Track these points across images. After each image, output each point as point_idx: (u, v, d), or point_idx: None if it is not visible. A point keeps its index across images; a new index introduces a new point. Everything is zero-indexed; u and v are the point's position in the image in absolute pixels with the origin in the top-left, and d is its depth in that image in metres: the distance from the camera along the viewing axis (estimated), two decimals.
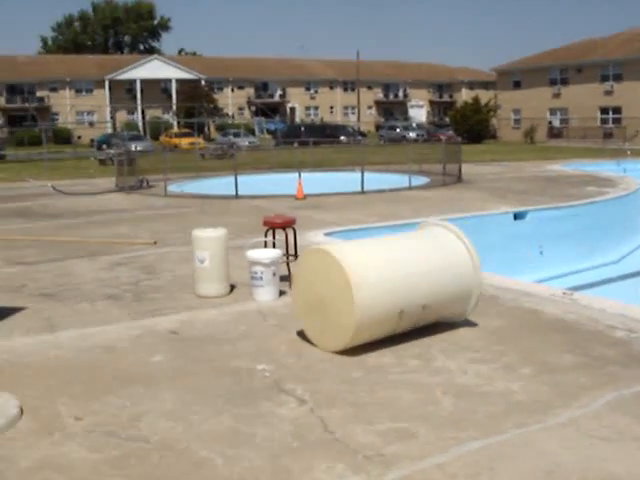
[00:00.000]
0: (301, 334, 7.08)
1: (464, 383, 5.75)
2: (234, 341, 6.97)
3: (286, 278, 9.11)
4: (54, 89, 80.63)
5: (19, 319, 7.97)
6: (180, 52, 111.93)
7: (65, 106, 79.71)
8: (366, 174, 21.57)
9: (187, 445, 4.73)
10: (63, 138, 68.64)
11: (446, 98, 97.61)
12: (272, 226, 9.74)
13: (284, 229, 9.81)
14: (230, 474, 4.35)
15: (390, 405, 5.33)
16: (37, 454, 4.68)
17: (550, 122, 67.12)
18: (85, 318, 7.96)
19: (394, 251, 7.06)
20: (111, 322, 7.75)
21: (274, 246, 9.52)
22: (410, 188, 21.97)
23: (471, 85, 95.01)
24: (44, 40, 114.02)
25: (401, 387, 5.68)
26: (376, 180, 22.50)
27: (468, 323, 7.37)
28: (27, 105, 77.88)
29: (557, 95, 66.19)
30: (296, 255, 9.50)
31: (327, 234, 12.94)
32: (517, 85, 70.29)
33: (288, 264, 9.52)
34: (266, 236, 9.66)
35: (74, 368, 6.33)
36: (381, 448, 4.63)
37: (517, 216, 16.46)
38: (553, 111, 67.04)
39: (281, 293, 8.67)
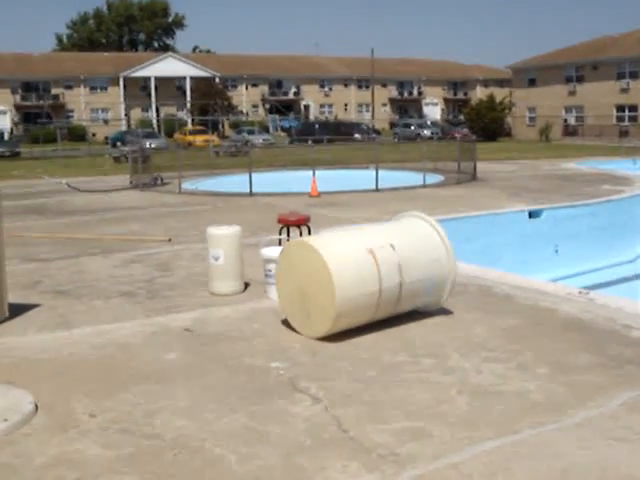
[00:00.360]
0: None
1: (479, 382, 5.72)
2: (248, 339, 6.96)
3: None
4: (69, 86, 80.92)
5: (34, 316, 8.00)
6: (194, 49, 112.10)
7: (80, 103, 80.00)
8: (380, 172, 21.53)
9: (201, 443, 4.73)
10: (78, 135, 68.82)
11: (461, 96, 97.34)
12: (286, 223, 9.77)
13: (299, 227, 9.81)
14: (244, 472, 4.34)
15: (404, 404, 5.31)
16: (52, 450, 4.69)
17: (565, 120, 66.85)
18: (99, 315, 7.98)
19: (371, 240, 7.28)
20: (125, 319, 7.76)
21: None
22: (424, 186, 21.92)
23: (486, 83, 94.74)
24: (59, 38, 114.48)
25: (416, 386, 5.65)
26: (390, 178, 22.46)
27: (479, 323, 7.34)
28: (42, 102, 78.25)
29: (572, 93, 65.90)
30: None
31: None
32: (532, 83, 70.01)
33: None
34: (280, 234, 9.66)
35: (88, 365, 6.35)
36: (395, 447, 4.61)
37: (532, 214, 16.39)
38: (568, 109, 66.76)
39: None
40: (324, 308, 6.77)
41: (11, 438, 4.88)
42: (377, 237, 7.45)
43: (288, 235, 9.68)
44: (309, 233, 9.72)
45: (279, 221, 9.84)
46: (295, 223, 9.86)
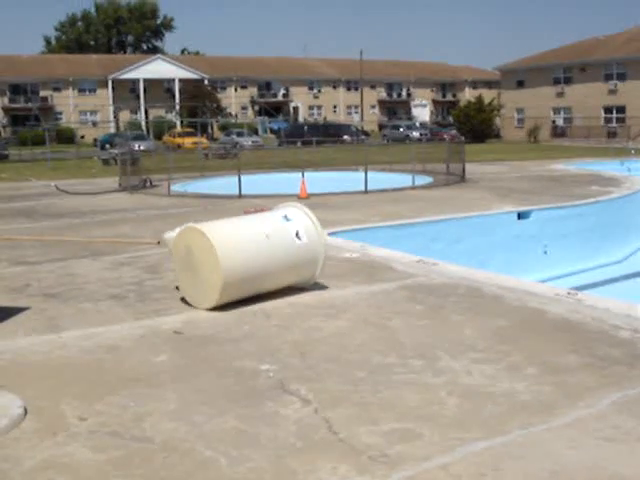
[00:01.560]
0: (305, 334, 7.10)
1: (468, 383, 5.73)
2: (238, 341, 6.96)
3: None
4: (57, 89, 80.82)
5: (23, 319, 7.97)
6: (183, 52, 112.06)
7: (68, 106, 79.87)
8: (369, 174, 21.55)
9: (191, 445, 4.72)
10: (66, 138, 68.66)
11: (449, 97, 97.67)
12: None
13: None
14: (235, 474, 4.34)
15: (394, 405, 5.31)
16: (41, 454, 4.67)
17: (554, 121, 67.14)
18: (89, 318, 7.95)
19: (252, 226, 8.66)
20: (115, 322, 7.74)
21: None
22: (413, 187, 21.97)
23: (474, 84, 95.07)
24: (47, 40, 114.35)
25: (405, 387, 5.66)
26: (379, 180, 22.51)
27: (468, 324, 7.36)
28: (30, 105, 78.03)
29: (561, 94, 66.18)
30: None
31: (330, 234, 12.90)
32: (520, 84, 70.29)
33: None
34: None
35: (78, 368, 6.33)
36: (385, 448, 4.62)
37: (521, 216, 16.45)
38: (557, 110, 67.07)
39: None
40: (213, 281, 7.90)
41: (0, 442, 4.86)
42: (255, 223, 8.89)
43: None
44: None
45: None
46: None
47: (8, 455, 4.67)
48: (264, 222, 8.82)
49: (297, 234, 8.62)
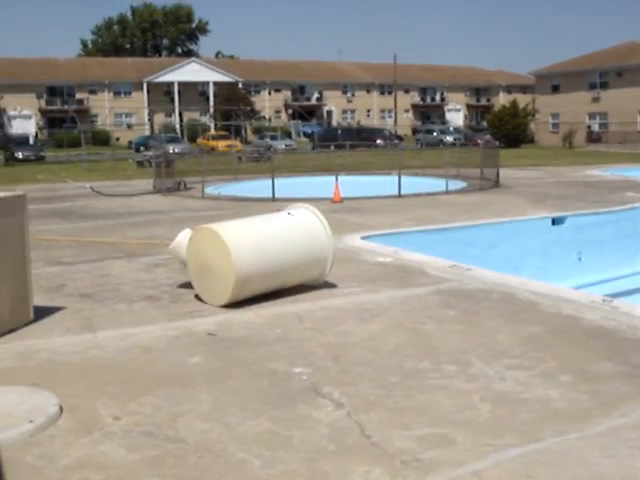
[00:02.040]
0: (339, 337, 7.11)
1: (502, 389, 5.70)
2: (271, 344, 6.98)
3: None
4: (93, 91, 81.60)
5: (59, 318, 8.06)
6: (217, 55, 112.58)
7: (104, 108, 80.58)
8: (403, 178, 21.51)
9: (224, 446, 4.75)
10: (102, 140, 69.37)
11: (484, 102, 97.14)
12: None
13: None
14: (267, 476, 4.36)
15: (427, 410, 5.30)
16: (76, 452, 4.72)
17: (589, 127, 66.51)
18: (123, 318, 8.04)
19: (264, 226, 8.92)
20: (149, 323, 7.81)
21: None
22: (447, 192, 21.89)
23: (509, 89, 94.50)
24: (84, 43, 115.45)
25: (439, 392, 5.65)
26: (413, 184, 22.45)
27: (502, 329, 7.32)
28: (67, 107, 78.86)
29: (596, 99, 65.58)
30: None
31: (364, 238, 12.94)
32: (556, 89, 69.75)
33: None
34: None
35: (113, 368, 6.39)
36: (418, 453, 4.61)
37: (555, 221, 16.31)
38: (592, 115, 66.44)
39: None
40: (226, 280, 8.20)
41: (36, 439, 4.93)
42: (266, 222, 9.09)
43: None
44: None
45: None
46: None
47: (44, 453, 4.73)
48: (275, 221, 9.15)
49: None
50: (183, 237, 9.34)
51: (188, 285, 9.39)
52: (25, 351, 6.90)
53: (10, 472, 4.48)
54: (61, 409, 5.38)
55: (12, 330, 7.48)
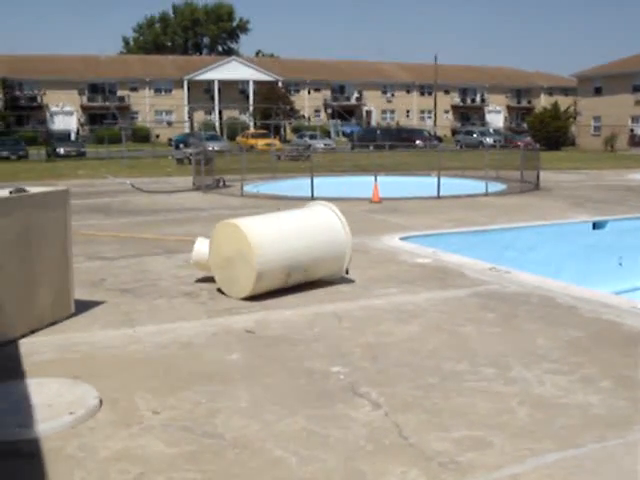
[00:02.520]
0: (377, 337, 7.10)
1: (541, 394, 5.66)
2: (309, 342, 7.00)
3: None
4: (134, 88, 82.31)
5: (98, 313, 8.16)
6: (258, 54, 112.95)
7: (144, 105, 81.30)
8: (442, 179, 21.43)
9: (262, 444, 4.77)
10: (142, 137, 70.05)
11: (524, 104, 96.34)
12: None
13: None
14: (305, 474, 4.37)
15: (465, 413, 5.28)
16: (116, 445, 4.77)
17: (632, 130, 65.68)
18: (162, 314, 8.10)
19: (284, 222, 9.23)
20: (188, 319, 7.86)
21: None
22: (486, 194, 21.76)
23: (550, 91, 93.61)
24: (126, 40, 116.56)
25: (477, 395, 5.62)
26: (452, 185, 22.36)
27: (541, 333, 7.26)
28: (108, 104, 79.67)
29: None
30: None
31: (402, 238, 12.91)
32: (598, 91, 68.98)
33: None
34: None
35: (152, 362, 6.45)
36: (456, 455, 4.59)
37: (596, 225, 16.13)
38: (635, 118, 65.59)
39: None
40: (248, 273, 8.48)
41: (77, 431, 4.99)
42: (285, 217, 9.45)
43: None
44: None
45: None
46: None
47: (84, 444, 4.79)
48: (295, 217, 9.51)
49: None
50: (200, 245, 9.56)
51: None
52: (66, 344, 6.99)
53: (50, 462, 4.54)
54: (101, 402, 5.44)
55: (53, 323, 7.58)
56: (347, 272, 9.61)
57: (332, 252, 9.23)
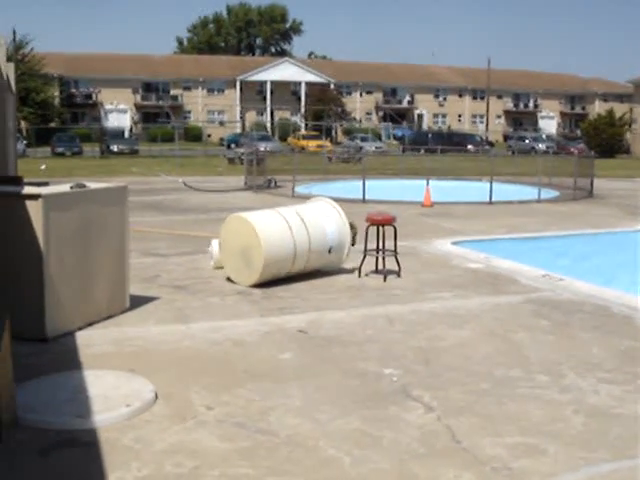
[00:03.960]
0: (429, 341, 7.10)
1: (595, 403, 5.61)
2: (361, 344, 7.02)
3: (391, 272, 10.13)
4: (187, 88, 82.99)
5: (153, 308, 8.28)
6: (310, 55, 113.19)
7: (197, 105, 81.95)
8: (494, 184, 21.27)
9: (315, 442, 4.80)
10: (194, 136, 70.58)
11: (578, 110, 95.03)
12: (374, 223, 10.22)
13: (383, 226, 10.18)
14: (357, 474, 4.39)
15: (518, 419, 5.25)
16: (170, 438, 4.85)
17: None
18: (215, 311, 8.19)
19: (288, 217, 9.78)
20: (241, 317, 7.94)
21: (378, 242, 10.19)
22: (539, 201, 21.54)
23: (605, 97, 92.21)
24: (180, 41, 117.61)
25: (530, 402, 5.58)
26: (504, 191, 22.18)
27: (596, 342, 7.18)
28: (161, 103, 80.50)
29: None
30: (395, 251, 10.10)
31: (454, 243, 12.85)
32: None
33: (384, 259, 10.26)
34: (367, 232, 10.24)
35: (205, 359, 6.53)
36: (509, 462, 4.58)
37: None
38: None
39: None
40: (255, 261, 9.24)
41: (133, 423, 5.08)
42: (289, 212, 10.00)
43: (378, 233, 10.13)
44: (395, 233, 10.09)
45: (367, 220, 10.25)
46: (382, 222, 10.18)
47: (140, 436, 4.88)
48: (298, 211, 10.07)
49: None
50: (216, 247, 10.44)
51: (279, 282, 9.52)
52: (121, 337, 7.11)
53: (107, 452, 4.63)
54: (156, 395, 5.53)
55: (109, 317, 7.72)
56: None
57: (330, 240, 9.99)
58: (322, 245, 9.93)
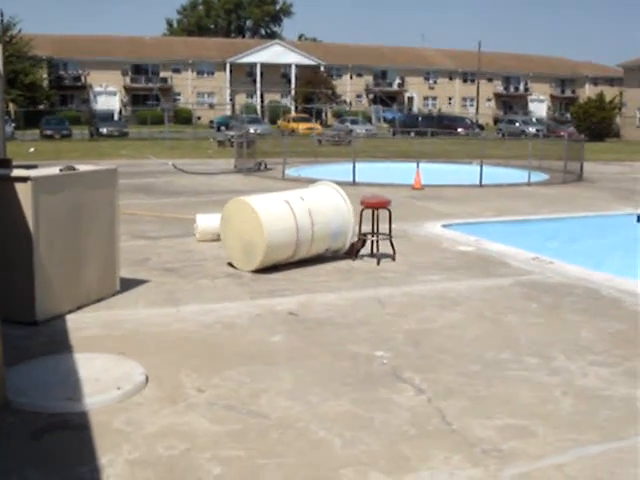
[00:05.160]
0: (419, 324, 7.12)
1: (584, 385, 5.64)
2: (352, 326, 7.03)
3: (385, 255, 10.10)
4: (177, 70, 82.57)
5: (143, 291, 8.27)
6: (300, 38, 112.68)
7: (187, 87, 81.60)
8: (484, 167, 21.30)
9: (306, 425, 4.82)
10: (184, 118, 70.32)
11: (568, 93, 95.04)
12: (368, 206, 10.17)
13: (377, 209, 10.17)
14: (348, 456, 4.41)
15: (508, 401, 5.28)
16: (161, 421, 4.86)
17: None
18: (206, 294, 8.19)
19: (291, 200, 9.57)
20: (231, 299, 7.94)
21: (373, 225, 10.15)
22: (529, 184, 21.57)
23: (595, 81, 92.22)
24: (169, 22, 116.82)
25: (520, 384, 5.61)
26: (494, 174, 22.19)
27: (585, 325, 7.22)
28: (151, 85, 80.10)
29: None
30: (390, 235, 10.08)
31: (445, 226, 12.87)
32: None
33: (378, 242, 10.23)
34: (361, 216, 10.08)
35: (196, 341, 6.53)
36: (499, 443, 4.60)
37: None
38: None
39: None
40: (257, 244, 9.03)
41: (124, 406, 5.08)
42: (292, 195, 9.86)
43: (373, 217, 10.11)
44: (390, 216, 10.07)
45: (361, 203, 10.20)
46: (377, 205, 10.16)
47: (131, 419, 4.88)
48: (301, 196, 9.87)
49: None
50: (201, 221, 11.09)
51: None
52: (111, 320, 7.11)
53: (98, 435, 4.63)
54: (147, 378, 5.53)
55: (99, 300, 7.70)
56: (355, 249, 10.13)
57: (334, 223, 9.80)
58: (326, 231, 9.73)
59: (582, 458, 4.47)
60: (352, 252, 10.10)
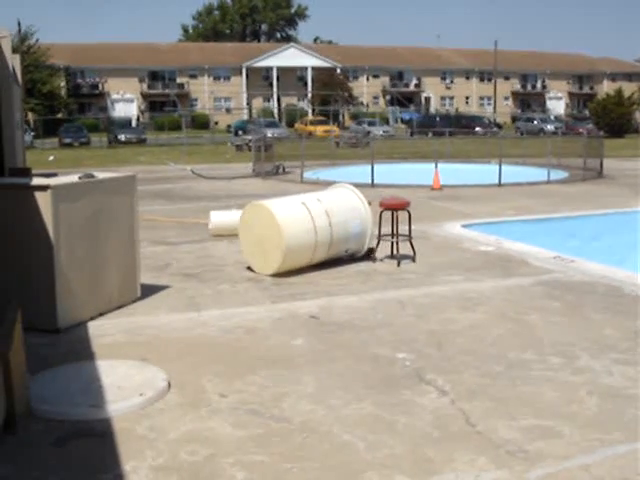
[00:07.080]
0: (441, 325, 7.09)
1: (609, 384, 5.58)
2: (373, 328, 7.01)
3: (405, 257, 10.07)
4: (193, 76, 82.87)
5: (164, 297, 8.28)
6: (316, 40, 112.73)
7: (203, 92, 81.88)
8: (503, 166, 21.17)
9: (329, 428, 4.80)
10: (201, 123, 70.55)
11: (586, 90, 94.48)
12: (388, 207, 10.15)
13: (396, 210, 10.13)
14: (372, 459, 4.38)
15: (533, 401, 5.24)
16: (185, 427, 4.85)
17: None
18: (227, 299, 8.19)
19: (309, 203, 9.57)
20: (252, 304, 7.94)
21: (392, 226, 10.11)
22: (548, 182, 21.44)
23: (613, 77, 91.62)
24: (185, 28, 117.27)
25: (544, 384, 5.57)
26: (513, 173, 22.07)
27: (609, 323, 7.15)
28: (168, 91, 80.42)
29: None
30: (410, 236, 10.06)
31: (465, 226, 12.82)
32: None
33: (398, 244, 10.19)
34: (381, 217, 10.12)
35: (217, 346, 6.53)
36: (524, 444, 4.56)
37: None
38: None
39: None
40: (276, 247, 9.05)
41: (146, 412, 5.09)
42: (309, 197, 9.86)
43: (392, 218, 10.07)
44: (409, 217, 10.07)
45: (380, 205, 10.17)
46: (396, 207, 10.12)
47: (154, 425, 4.88)
48: (319, 198, 9.86)
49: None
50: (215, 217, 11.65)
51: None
52: (133, 327, 7.12)
53: (122, 442, 4.63)
54: (169, 384, 5.53)
55: (120, 306, 7.73)
56: (373, 253, 10.15)
57: (352, 225, 9.82)
58: (344, 233, 9.72)
59: (609, 458, 4.42)
60: (372, 254, 10.08)
